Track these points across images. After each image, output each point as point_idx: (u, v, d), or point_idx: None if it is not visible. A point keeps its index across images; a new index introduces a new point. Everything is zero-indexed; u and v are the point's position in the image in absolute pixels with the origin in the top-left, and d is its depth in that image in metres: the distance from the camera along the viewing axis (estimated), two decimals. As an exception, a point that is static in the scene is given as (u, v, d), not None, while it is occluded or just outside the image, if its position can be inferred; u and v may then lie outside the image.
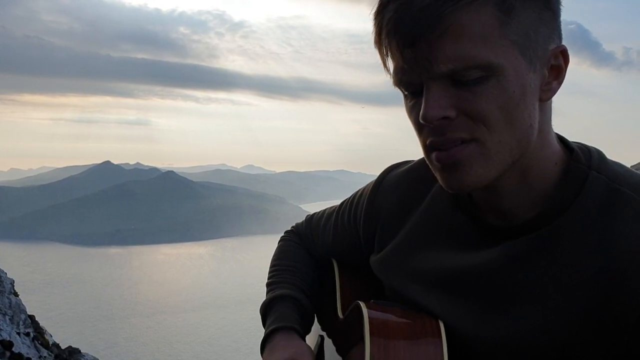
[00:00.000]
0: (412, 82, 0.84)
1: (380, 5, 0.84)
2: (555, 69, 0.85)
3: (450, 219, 1.01)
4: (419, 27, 0.78)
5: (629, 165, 0.92)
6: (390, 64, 0.85)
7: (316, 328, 1.32)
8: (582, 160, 0.90)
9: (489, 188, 0.89)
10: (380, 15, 0.83)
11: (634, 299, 0.79)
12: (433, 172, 0.89)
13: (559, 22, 0.86)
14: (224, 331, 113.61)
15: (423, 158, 0.91)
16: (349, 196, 1.28)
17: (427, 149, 0.87)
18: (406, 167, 1.15)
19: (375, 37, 0.85)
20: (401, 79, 0.84)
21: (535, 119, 0.84)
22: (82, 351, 3.48)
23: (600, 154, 0.93)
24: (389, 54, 0.84)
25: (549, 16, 0.83)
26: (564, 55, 0.85)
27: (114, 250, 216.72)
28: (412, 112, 0.86)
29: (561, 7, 0.86)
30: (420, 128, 0.86)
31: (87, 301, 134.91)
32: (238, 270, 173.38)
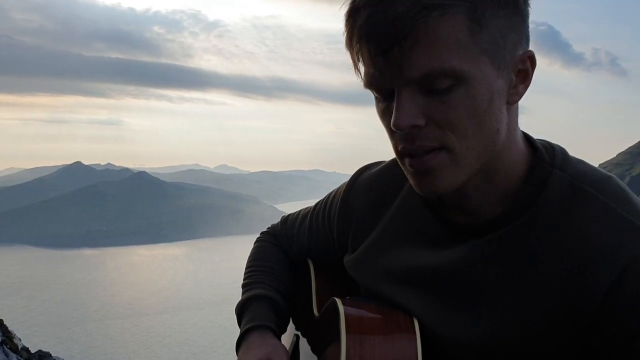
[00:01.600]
0: (384, 87, 0.85)
1: (351, 9, 0.84)
2: (522, 73, 0.86)
3: (420, 217, 1.03)
4: (392, 36, 0.79)
5: (597, 164, 0.93)
6: (362, 66, 0.86)
7: (291, 328, 1.33)
8: (545, 159, 0.91)
9: (457, 190, 0.91)
10: (351, 19, 0.83)
11: (595, 297, 0.81)
12: (406, 175, 0.91)
13: (527, 25, 0.87)
14: (201, 332, 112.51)
15: (394, 158, 0.92)
16: (323, 197, 1.30)
17: (399, 154, 0.89)
18: (378, 167, 1.17)
19: (346, 40, 0.86)
20: (372, 83, 0.86)
21: (502, 122, 0.86)
22: (52, 355, 3.32)
23: (563, 151, 0.94)
24: (360, 59, 0.85)
25: (518, 22, 0.85)
26: (531, 60, 0.87)
27: (89, 252, 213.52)
28: (384, 115, 0.87)
29: (529, 9, 0.87)
30: (392, 132, 0.87)
31: (61, 304, 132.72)
32: (214, 270, 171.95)
